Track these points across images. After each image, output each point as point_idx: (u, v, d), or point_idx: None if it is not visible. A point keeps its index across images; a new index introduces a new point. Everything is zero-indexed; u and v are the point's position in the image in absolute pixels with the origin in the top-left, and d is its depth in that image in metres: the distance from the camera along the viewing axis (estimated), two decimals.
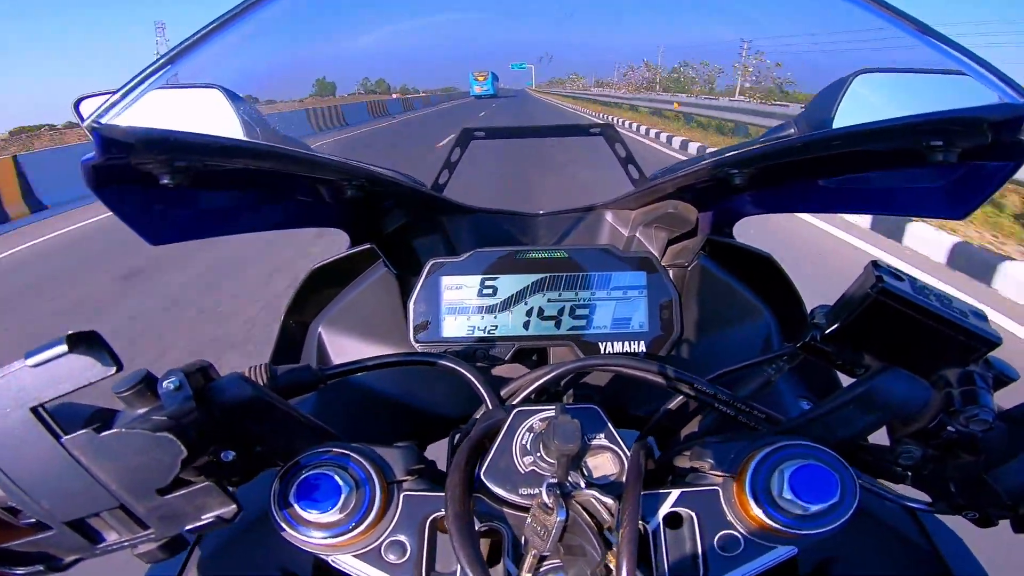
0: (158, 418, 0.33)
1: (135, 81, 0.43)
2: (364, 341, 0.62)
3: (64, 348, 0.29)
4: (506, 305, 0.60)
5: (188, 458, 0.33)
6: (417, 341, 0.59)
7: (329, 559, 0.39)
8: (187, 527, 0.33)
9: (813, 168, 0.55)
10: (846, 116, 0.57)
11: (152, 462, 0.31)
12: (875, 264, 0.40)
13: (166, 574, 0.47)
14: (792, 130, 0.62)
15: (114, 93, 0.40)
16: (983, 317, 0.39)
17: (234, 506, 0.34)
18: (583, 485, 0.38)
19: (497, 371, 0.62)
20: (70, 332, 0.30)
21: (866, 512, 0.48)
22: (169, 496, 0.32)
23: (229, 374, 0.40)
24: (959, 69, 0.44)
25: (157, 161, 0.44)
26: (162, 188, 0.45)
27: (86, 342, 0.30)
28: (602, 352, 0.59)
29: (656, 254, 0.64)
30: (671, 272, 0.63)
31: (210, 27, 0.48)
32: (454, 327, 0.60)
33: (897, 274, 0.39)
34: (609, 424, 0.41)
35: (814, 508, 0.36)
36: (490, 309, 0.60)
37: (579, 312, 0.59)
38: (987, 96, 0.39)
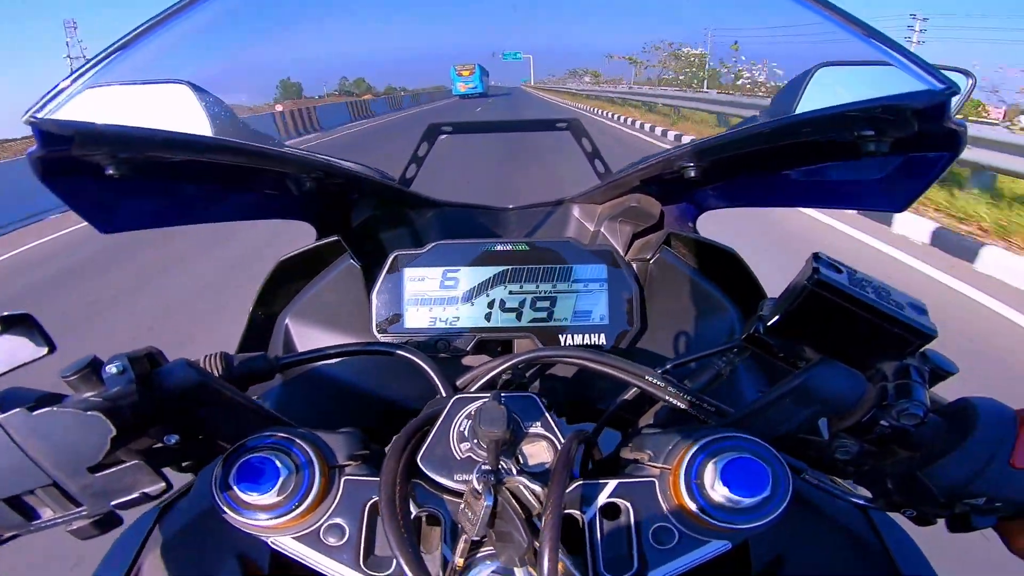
0: (94, 399, 0.34)
1: (72, 78, 0.43)
2: (330, 332, 0.63)
3: None
4: (468, 297, 0.60)
5: (124, 439, 0.33)
6: (380, 332, 0.60)
7: (269, 541, 0.40)
8: (114, 502, 0.34)
9: (765, 162, 0.55)
10: (806, 108, 0.57)
11: (82, 440, 0.32)
12: (816, 256, 0.39)
13: (124, 556, 0.48)
14: (759, 121, 0.62)
15: (49, 92, 0.41)
16: (922, 310, 0.38)
17: (162, 484, 0.35)
18: (515, 472, 0.38)
19: (464, 363, 0.62)
20: (2, 314, 0.31)
21: (816, 508, 0.47)
22: (99, 474, 0.33)
23: (176, 360, 0.41)
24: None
25: (99, 153, 0.44)
26: (111, 178, 0.46)
27: (19, 324, 0.31)
28: (562, 344, 0.59)
29: (620, 248, 0.64)
30: (635, 266, 0.63)
31: (155, 20, 0.48)
32: (416, 319, 0.61)
33: (837, 266, 0.39)
34: (546, 413, 0.41)
35: (746, 502, 0.35)
36: (452, 301, 0.60)
37: (540, 304, 0.60)
38: (914, 84, 0.38)
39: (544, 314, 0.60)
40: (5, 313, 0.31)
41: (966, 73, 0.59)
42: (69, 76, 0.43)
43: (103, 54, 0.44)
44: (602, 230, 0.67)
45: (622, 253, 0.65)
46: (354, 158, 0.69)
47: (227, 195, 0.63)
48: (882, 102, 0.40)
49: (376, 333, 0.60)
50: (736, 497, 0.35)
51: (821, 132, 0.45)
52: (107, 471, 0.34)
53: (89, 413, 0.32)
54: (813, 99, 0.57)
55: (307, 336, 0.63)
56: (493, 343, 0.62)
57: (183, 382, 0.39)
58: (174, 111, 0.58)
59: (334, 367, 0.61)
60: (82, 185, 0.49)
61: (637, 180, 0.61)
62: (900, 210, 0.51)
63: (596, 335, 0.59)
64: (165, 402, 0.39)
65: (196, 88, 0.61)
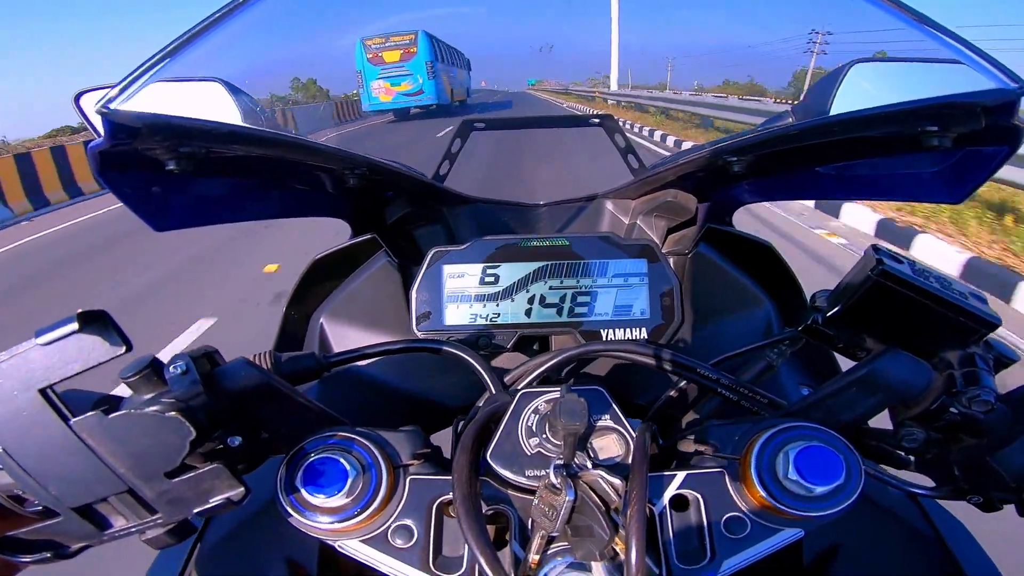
0: (167, 400, 0.34)
1: (136, 73, 0.43)
2: (366, 331, 0.63)
3: (75, 327, 0.30)
4: (508, 293, 0.60)
5: (196, 441, 0.33)
6: (419, 330, 0.60)
7: (336, 544, 0.39)
8: (195, 510, 0.34)
9: (810, 156, 0.56)
10: (841, 105, 0.58)
11: (161, 444, 0.31)
12: (875, 248, 0.40)
13: (172, 562, 0.47)
14: (790, 119, 0.63)
15: (115, 85, 0.41)
16: (983, 299, 0.40)
17: (242, 488, 0.34)
18: (590, 466, 0.38)
19: (500, 360, 0.62)
20: (80, 311, 0.30)
21: (869, 499, 0.49)
22: (177, 479, 0.33)
23: (235, 359, 0.41)
24: (951, 57, 0.46)
25: (162, 147, 0.44)
26: (166, 175, 0.45)
27: (96, 321, 0.30)
28: (604, 339, 0.60)
29: (657, 242, 0.64)
30: (671, 260, 0.63)
31: (210, 19, 0.48)
32: (456, 315, 0.60)
33: (897, 257, 0.40)
34: (614, 405, 0.42)
35: (819, 490, 0.36)
36: (492, 297, 0.60)
37: (580, 299, 0.60)
38: (979, 81, 0.40)
39: (585, 309, 0.60)
40: (81, 311, 0.30)
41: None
42: (135, 70, 0.42)
43: (164, 51, 0.43)
44: (637, 224, 0.68)
45: (659, 246, 0.66)
46: None
47: (268, 193, 0.63)
48: (954, 99, 0.41)
49: (415, 331, 0.60)
50: (810, 485, 0.36)
51: (885, 127, 0.46)
52: (184, 476, 0.33)
53: (168, 415, 0.32)
54: (849, 96, 0.58)
55: (343, 335, 0.63)
56: (532, 339, 0.62)
57: (245, 381, 0.39)
58: (211, 108, 0.58)
59: (372, 365, 0.61)
60: (138, 182, 0.48)
61: (672, 176, 0.62)
62: (958, 202, 0.52)
63: (637, 329, 0.59)
64: (228, 402, 0.38)
65: (228, 85, 0.60)
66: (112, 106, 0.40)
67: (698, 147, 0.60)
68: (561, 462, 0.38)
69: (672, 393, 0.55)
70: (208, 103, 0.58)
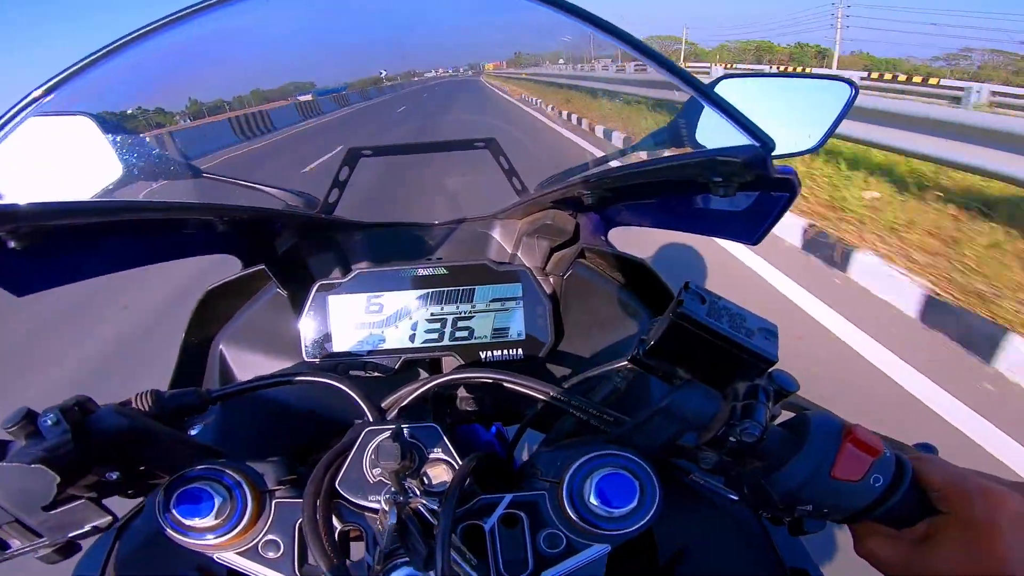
0: (36, 451, 0.43)
1: (17, 106, 0.48)
2: (263, 357, 0.71)
3: None
4: (392, 320, 0.69)
5: (69, 481, 0.43)
6: (309, 357, 0.68)
7: (215, 556, 0.50)
8: (71, 535, 0.45)
9: (654, 190, 0.63)
10: (704, 126, 0.64)
11: (31, 488, 0.42)
12: (686, 286, 0.48)
13: (91, 570, 0.57)
14: (662, 137, 0.69)
15: None
16: (772, 334, 0.47)
17: (108, 517, 0.45)
18: (418, 493, 0.48)
19: (395, 381, 0.71)
20: None
21: (711, 503, 0.59)
22: (54, 511, 0.43)
23: (106, 406, 0.50)
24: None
25: None
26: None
27: None
28: (482, 360, 0.68)
29: (537, 263, 0.72)
30: (552, 280, 0.71)
31: (100, 53, 0.50)
32: (344, 343, 0.69)
33: (702, 296, 0.47)
34: (445, 439, 0.51)
35: (618, 512, 0.46)
36: (377, 324, 0.69)
37: (461, 324, 0.69)
38: (740, 137, 0.45)
39: (465, 333, 0.69)
40: None
41: (850, 83, 0.67)
42: (17, 103, 0.46)
43: (49, 83, 0.47)
44: (521, 246, 0.75)
45: (541, 267, 0.73)
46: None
47: (144, 241, 0.68)
48: (712, 155, 0.48)
49: (306, 359, 0.68)
50: (609, 509, 0.46)
51: (680, 173, 0.53)
52: (60, 508, 0.44)
53: (33, 466, 0.41)
54: (704, 125, 0.64)
55: (242, 362, 0.71)
56: (419, 362, 0.71)
57: (114, 427, 0.48)
58: (78, 147, 0.62)
59: (269, 392, 0.70)
60: None
61: (550, 198, 0.68)
62: (755, 243, 0.59)
63: (514, 349, 0.68)
64: (100, 445, 0.47)
65: (98, 119, 0.65)
66: None
67: (566, 172, 0.67)
68: (394, 489, 0.48)
69: (540, 409, 0.64)
70: (77, 138, 0.63)
